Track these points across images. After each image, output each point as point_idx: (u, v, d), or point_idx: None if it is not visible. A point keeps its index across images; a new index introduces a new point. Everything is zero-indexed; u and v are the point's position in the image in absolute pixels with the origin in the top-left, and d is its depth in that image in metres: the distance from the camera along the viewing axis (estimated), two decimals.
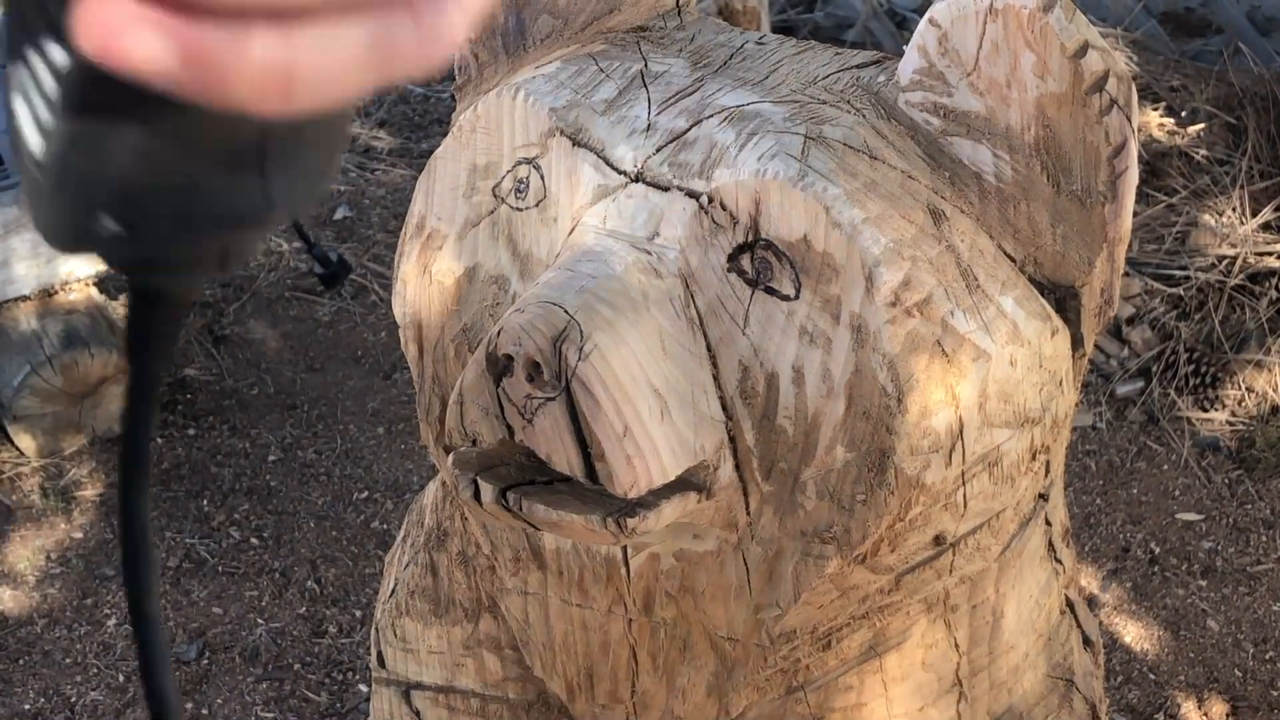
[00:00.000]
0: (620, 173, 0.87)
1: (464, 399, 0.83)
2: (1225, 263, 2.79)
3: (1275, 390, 2.62)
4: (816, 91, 0.90)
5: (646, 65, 0.94)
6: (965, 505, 0.87)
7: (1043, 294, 0.87)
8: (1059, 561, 1.04)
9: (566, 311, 0.79)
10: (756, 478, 0.86)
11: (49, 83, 0.40)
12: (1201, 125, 3.11)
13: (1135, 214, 2.88)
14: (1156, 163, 3.02)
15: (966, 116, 0.84)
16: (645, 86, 0.92)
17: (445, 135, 0.97)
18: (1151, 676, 2.15)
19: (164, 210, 0.42)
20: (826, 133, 0.84)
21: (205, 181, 0.41)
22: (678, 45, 0.98)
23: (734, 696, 0.96)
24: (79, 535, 2.43)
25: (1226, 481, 2.49)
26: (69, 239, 0.44)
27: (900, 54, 0.87)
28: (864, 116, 0.86)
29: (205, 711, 2.11)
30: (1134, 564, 2.35)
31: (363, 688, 2.15)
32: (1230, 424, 2.59)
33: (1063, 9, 0.79)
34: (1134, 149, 0.82)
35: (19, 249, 2.30)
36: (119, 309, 2.93)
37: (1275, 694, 2.12)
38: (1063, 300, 0.88)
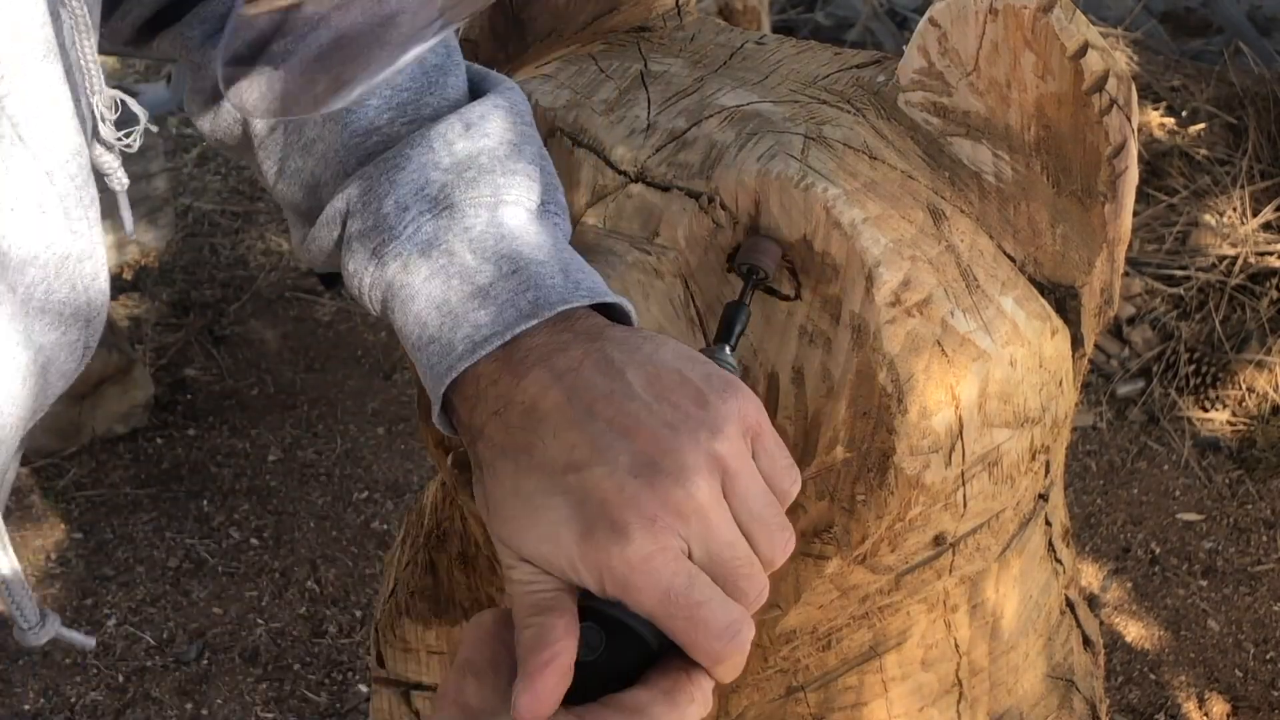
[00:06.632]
0: (620, 173, 0.87)
1: None
2: (1226, 262, 2.79)
3: (1276, 390, 2.62)
4: (816, 91, 0.90)
5: (646, 65, 0.94)
6: (965, 505, 0.87)
7: (1043, 294, 0.87)
8: (1059, 561, 1.04)
9: None
10: None
11: None
12: (1202, 125, 3.11)
13: (1136, 214, 2.88)
14: (1157, 162, 3.02)
15: (966, 116, 0.84)
16: (645, 87, 0.92)
17: None
18: (1152, 676, 2.15)
19: None
20: (826, 133, 0.84)
21: None
22: (677, 45, 0.98)
23: (733, 697, 0.96)
24: (79, 535, 2.43)
25: (1227, 481, 2.49)
26: None
27: (900, 54, 0.87)
28: (864, 116, 0.86)
29: (205, 711, 2.11)
30: (1134, 564, 2.35)
31: (363, 688, 2.15)
32: (1231, 424, 2.59)
33: (1063, 9, 0.79)
34: (1134, 149, 0.81)
35: None
36: (118, 309, 2.93)
37: (1276, 694, 2.12)
38: (1063, 300, 0.88)
